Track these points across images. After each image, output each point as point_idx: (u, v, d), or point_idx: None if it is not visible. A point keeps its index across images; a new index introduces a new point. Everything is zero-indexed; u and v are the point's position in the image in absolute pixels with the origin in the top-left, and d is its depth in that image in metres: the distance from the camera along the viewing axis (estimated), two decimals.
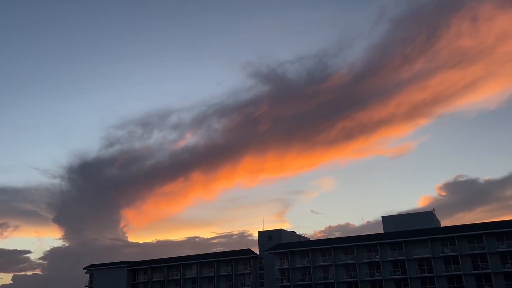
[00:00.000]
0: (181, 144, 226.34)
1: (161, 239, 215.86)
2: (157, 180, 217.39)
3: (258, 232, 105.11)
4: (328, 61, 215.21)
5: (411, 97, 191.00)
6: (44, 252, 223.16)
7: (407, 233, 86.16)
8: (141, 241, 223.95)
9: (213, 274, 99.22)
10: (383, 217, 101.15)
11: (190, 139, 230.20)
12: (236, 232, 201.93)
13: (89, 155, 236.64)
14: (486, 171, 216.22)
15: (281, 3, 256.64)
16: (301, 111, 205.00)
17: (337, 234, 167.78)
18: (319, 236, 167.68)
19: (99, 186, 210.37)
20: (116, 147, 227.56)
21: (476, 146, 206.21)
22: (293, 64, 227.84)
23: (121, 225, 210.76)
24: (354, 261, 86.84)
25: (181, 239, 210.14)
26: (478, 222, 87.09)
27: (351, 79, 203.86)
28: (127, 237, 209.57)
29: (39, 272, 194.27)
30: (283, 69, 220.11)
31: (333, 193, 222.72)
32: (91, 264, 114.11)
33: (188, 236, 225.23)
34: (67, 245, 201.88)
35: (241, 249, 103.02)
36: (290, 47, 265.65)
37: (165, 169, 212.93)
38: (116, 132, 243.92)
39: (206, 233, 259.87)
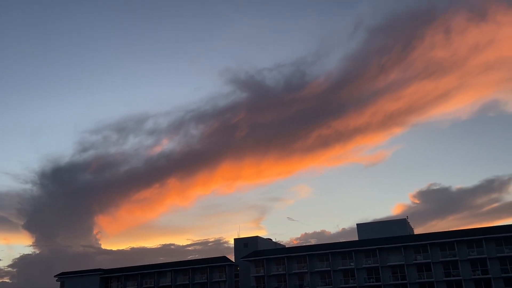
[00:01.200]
0: (157, 150, 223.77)
1: (135, 247, 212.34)
2: (132, 186, 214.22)
3: (234, 239, 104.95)
4: (306, 69, 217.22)
5: (386, 106, 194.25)
6: (13, 260, 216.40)
7: (381, 241, 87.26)
8: (114, 248, 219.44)
9: (188, 282, 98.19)
10: (358, 225, 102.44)
11: (167, 145, 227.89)
12: (212, 240, 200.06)
13: (62, 160, 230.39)
14: (458, 179, 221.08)
15: (260, 10, 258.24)
16: (279, 118, 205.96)
17: (313, 241, 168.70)
18: (295, 243, 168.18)
19: (72, 192, 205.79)
20: (90, 152, 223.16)
21: (449, 155, 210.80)
22: (271, 72, 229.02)
23: (94, 231, 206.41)
24: (329, 268, 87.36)
25: (155, 247, 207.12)
26: (450, 229, 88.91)
27: (328, 87, 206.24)
28: (100, 244, 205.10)
29: (7, 280, 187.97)
30: (261, 76, 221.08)
31: (309, 200, 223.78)
32: (63, 272, 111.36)
33: (163, 243, 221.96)
34: (37, 252, 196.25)
35: (217, 257, 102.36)
36: (269, 54, 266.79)
37: (140, 175, 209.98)
38: (91, 137, 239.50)
39: (181, 241, 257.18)
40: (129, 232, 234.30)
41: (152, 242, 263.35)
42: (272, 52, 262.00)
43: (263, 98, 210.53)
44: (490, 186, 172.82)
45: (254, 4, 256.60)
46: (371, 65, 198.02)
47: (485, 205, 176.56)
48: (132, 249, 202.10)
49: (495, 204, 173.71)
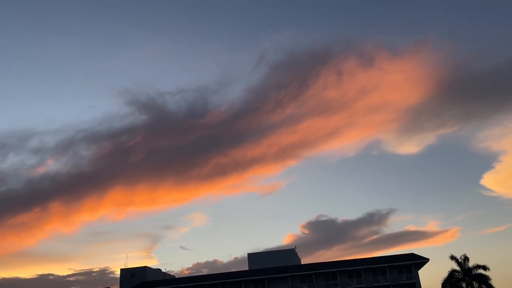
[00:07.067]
0: (41, 170, 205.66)
1: (6, 277, 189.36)
2: (7, 210, 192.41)
3: (120, 269, 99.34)
4: (209, 97, 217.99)
5: (282, 139, 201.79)
6: None
7: (269, 270, 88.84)
8: None
9: None
10: (248, 254, 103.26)
11: (52, 165, 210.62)
12: (96, 269, 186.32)
13: None
14: (343, 212, 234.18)
15: (165, 34, 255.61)
16: (177, 144, 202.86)
17: (205, 271, 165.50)
18: (186, 273, 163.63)
19: None
20: None
21: (336, 189, 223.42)
22: (173, 96, 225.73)
23: None
24: None
25: (31, 277, 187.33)
26: (335, 259, 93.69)
27: (228, 117, 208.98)
28: None
29: None
30: (162, 100, 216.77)
31: (204, 228, 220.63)
32: None
33: (40, 273, 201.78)
34: None
35: None
36: (171, 79, 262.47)
37: (18, 198, 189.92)
38: None
39: (62, 270, 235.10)
40: (1, 261, 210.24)
41: (28, 272, 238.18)
42: (175, 77, 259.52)
43: (163, 122, 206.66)
44: (371, 219, 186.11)
45: (159, 28, 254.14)
46: (269, 99, 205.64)
47: (366, 236, 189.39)
48: (3, 279, 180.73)
49: (375, 236, 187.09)
